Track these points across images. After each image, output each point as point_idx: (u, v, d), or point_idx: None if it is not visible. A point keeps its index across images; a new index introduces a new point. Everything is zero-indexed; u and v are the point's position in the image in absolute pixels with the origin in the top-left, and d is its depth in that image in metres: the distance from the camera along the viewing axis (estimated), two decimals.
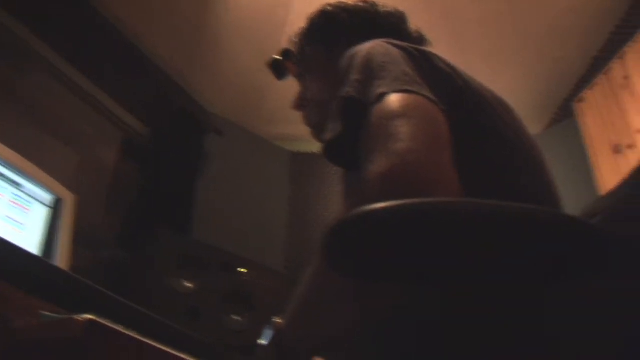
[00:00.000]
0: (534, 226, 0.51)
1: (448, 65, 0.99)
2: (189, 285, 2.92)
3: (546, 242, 0.52)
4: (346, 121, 0.87)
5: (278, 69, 1.42)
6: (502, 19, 3.54)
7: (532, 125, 4.20)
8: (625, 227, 0.73)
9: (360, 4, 1.31)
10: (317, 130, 1.24)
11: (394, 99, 0.81)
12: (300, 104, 1.31)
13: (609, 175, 3.15)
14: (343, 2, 1.32)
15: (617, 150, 3.15)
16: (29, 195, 1.97)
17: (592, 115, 3.48)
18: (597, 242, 0.53)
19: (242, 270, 3.12)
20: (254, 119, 4.30)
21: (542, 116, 4.24)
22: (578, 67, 3.86)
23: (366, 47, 0.96)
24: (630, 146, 3.04)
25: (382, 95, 0.82)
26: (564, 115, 4.00)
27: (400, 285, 0.64)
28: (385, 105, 0.81)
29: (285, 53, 1.39)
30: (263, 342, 0.92)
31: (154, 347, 1.18)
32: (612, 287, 0.58)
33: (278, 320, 0.91)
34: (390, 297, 0.71)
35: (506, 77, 3.84)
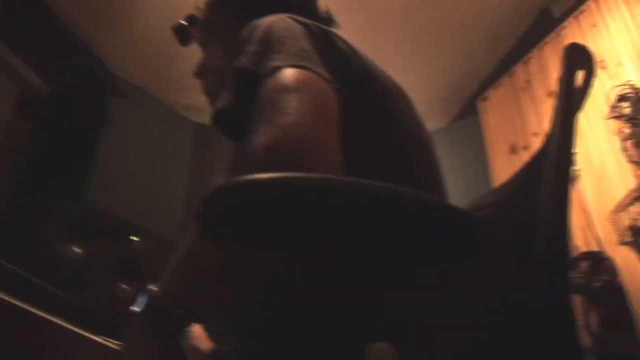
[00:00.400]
0: (412, 209, 0.52)
1: (349, 46, 1.00)
2: (77, 250, 2.81)
3: (422, 227, 0.53)
4: (239, 91, 0.86)
5: (182, 34, 1.38)
6: (418, 11, 3.61)
7: (438, 118, 4.33)
8: (505, 221, 0.75)
9: None
10: (214, 100, 1.22)
11: (288, 74, 0.82)
12: (201, 71, 1.29)
13: (504, 174, 3.29)
14: None
15: (513, 150, 3.30)
16: None
17: (494, 114, 3.62)
18: (475, 232, 0.54)
19: (135, 238, 3.04)
20: (161, 86, 4.18)
21: (448, 110, 4.37)
22: (486, 67, 4.00)
23: (268, 20, 0.96)
24: (526, 147, 3.19)
25: (277, 69, 0.83)
26: (469, 111, 4.14)
27: (272, 256, 0.64)
28: (278, 79, 0.81)
29: (191, 19, 1.36)
30: (136, 309, 0.89)
31: (30, 312, 1.13)
32: (480, 275, 0.60)
33: (153, 287, 0.89)
34: (264, 268, 0.71)
35: (417, 68, 3.93)
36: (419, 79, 3.92)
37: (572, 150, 0.75)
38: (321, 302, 0.67)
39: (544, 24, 3.53)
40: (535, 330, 0.64)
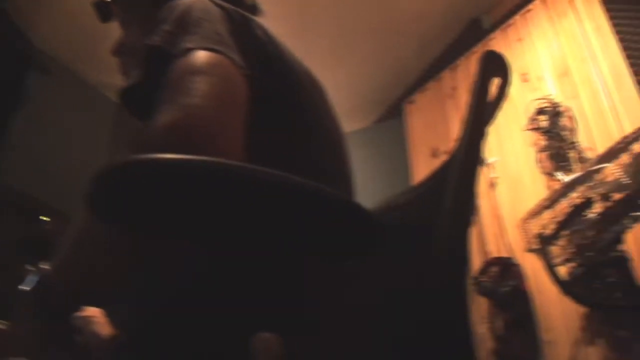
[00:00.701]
0: (310, 203, 0.52)
1: (267, 34, 1.00)
2: None
3: (319, 221, 0.52)
4: (148, 70, 0.84)
5: (103, 10, 1.33)
6: (352, 10, 3.62)
7: (363, 117, 4.36)
8: (413, 222, 0.76)
9: None
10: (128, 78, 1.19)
11: (199, 56, 0.81)
12: (119, 50, 1.25)
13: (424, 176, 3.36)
14: None
15: (434, 154, 3.37)
16: None
17: (418, 117, 3.69)
18: (374, 230, 0.54)
19: (45, 218, 2.93)
20: (85, 64, 4.04)
21: (374, 110, 4.41)
22: (414, 71, 4.06)
23: (187, 1, 0.95)
24: (447, 152, 3.26)
25: (189, 50, 0.82)
26: (394, 113, 4.19)
27: (165, 239, 0.62)
28: (188, 60, 0.81)
29: None
30: (25, 287, 0.86)
31: None
32: (379, 273, 0.60)
33: (45, 266, 0.85)
34: (154, 252, 0.69)
35: (347, 66, 3.94)
36: (347, 76, 3.95)
37: (479, 156, 0.77)
38: (211, 289, 0.66)
39: (473, 34, 3.62)
40: (430, 332, 0.65)
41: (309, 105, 1.00)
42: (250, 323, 0.59)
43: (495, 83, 0.89)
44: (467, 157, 0.75)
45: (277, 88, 0.93)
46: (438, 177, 0.92)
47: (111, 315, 0.93)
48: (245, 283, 0.64)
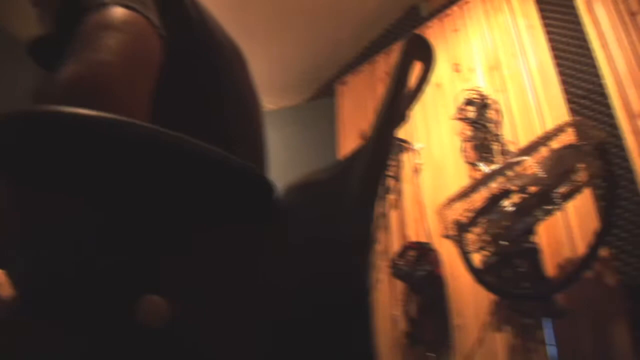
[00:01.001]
0: (209, 168, 0.51)
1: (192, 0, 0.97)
2: None
3: (219, 186, 0.51)
4: (60, 22, 0.81)
5: None
6: None
7: (295, 94, 4.34)
8: (321, 202, 0.76)
9: None
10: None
11: (113, 11, 0.79)
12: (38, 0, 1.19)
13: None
14: None
15: (362, 136, 3.39)
16: None
17: (349, 98, 3.70)
18: (269, 202, 0.53)
19: None
20: (15, 20, 3.85)
21: (307, 88, 4.39)
22: (348, 52, 4.06)
23: None
24: None
25: (103, 5, 0.79)
26: (326, 93, 4.19)
27: (59, 194, 0.60)
28: (101, 15, 0.78)
29: None
30: None
31: None
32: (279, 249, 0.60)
33: None
34: (49, 206, 0.67)
35: (282, 43, 3.90)
36: (281, 53, 3.91)
37: (392, 138, 0.77)
38: (98, 248, 0.64)
39: (411, 21, 3.65)
40: (326, 317, 0.65)
41: (227, 73, 0.99)
42: (140, 285, 0.57)
43: (418, 68, 0.89)
44: (379, 138, 0.75)
45: (195, 52, 0.91)
46: (354, 157, 0.92)
47: (10, 275, 0.89)
48: (137, 243, 0.62)
